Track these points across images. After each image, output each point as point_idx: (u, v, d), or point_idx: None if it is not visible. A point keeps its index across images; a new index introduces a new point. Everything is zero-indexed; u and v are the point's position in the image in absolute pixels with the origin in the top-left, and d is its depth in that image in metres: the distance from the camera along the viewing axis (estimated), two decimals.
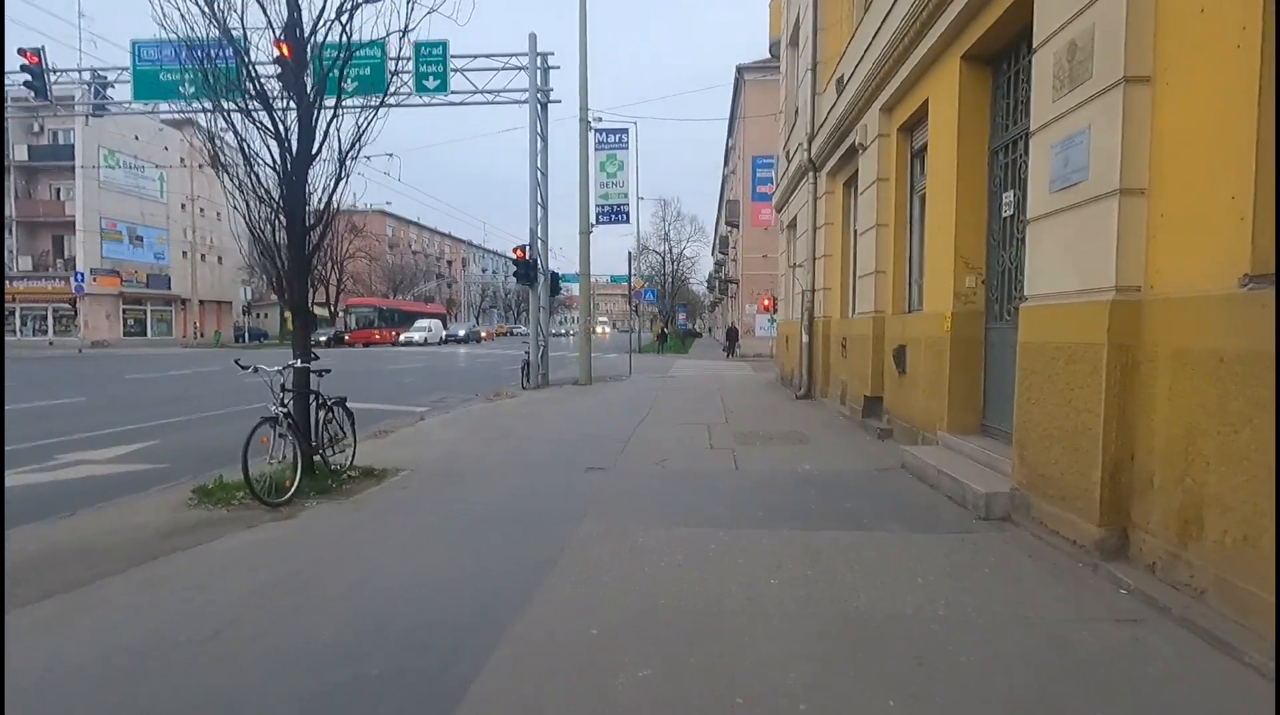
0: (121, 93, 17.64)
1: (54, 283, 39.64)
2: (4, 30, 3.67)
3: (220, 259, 50.08)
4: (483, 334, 60.22)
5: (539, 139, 15.52)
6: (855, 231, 10.46)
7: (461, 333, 51.50)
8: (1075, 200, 3.84)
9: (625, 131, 16.15)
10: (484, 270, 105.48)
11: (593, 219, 16.18)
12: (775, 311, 31.94)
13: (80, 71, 18.34)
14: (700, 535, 4.23)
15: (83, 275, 37.18)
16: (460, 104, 16.13)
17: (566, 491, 5.56)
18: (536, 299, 15.50)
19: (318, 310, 58.35)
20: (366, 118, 6.21)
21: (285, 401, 5.47)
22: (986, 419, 5.99)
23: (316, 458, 5.96)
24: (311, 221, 6.04)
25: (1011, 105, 5.59)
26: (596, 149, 16.16)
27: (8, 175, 39.55)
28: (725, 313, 53.82)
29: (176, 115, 49.02)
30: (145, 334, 43.34)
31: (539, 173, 15.38)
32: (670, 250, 55.21)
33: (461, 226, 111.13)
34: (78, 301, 38.57)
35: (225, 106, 5.60)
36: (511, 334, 73.24)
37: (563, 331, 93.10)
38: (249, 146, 5.64)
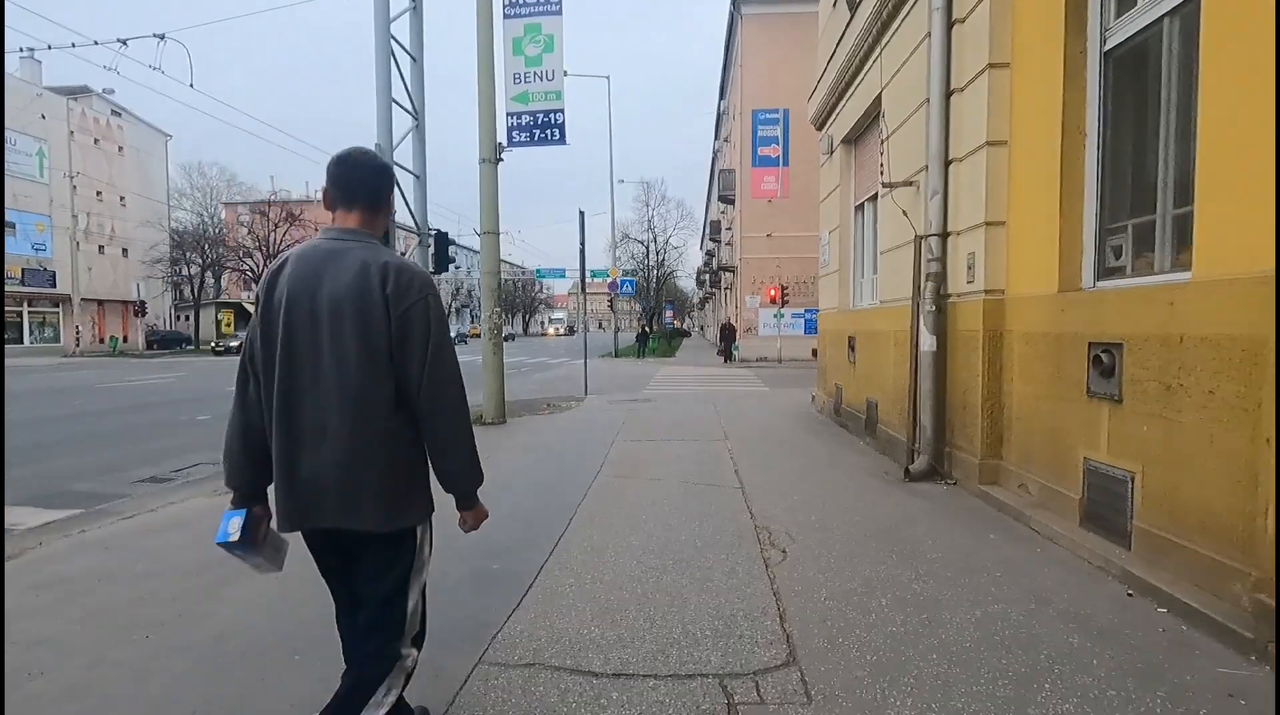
0: None
1: None
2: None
3: (125, 251, 42.65)
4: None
5: None
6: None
7: None
8: None
9: None
10: (456, 266, 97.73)
11: (502, 137, 9.35)
12: (784, 303, 25.29)
13: None
14: None
15: None
16: None
17: None
18: None
19: (251, 309, 51.32)
20: None
21: None
22: None
23: None
24: None
25: None
26: (507, 15, 9.33)
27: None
28: (717, 309, 47.11)
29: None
30: (22, 341, 35.90)
31: (393, 42, 8.49)
32: (655, 238, 48.42)
33: (435, 218, 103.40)
34: None
35: None
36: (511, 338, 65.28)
37: (541, 331, 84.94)
38: None
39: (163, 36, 9.79)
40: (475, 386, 11.07)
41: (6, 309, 35.17)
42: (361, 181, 1.72)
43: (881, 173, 5.74)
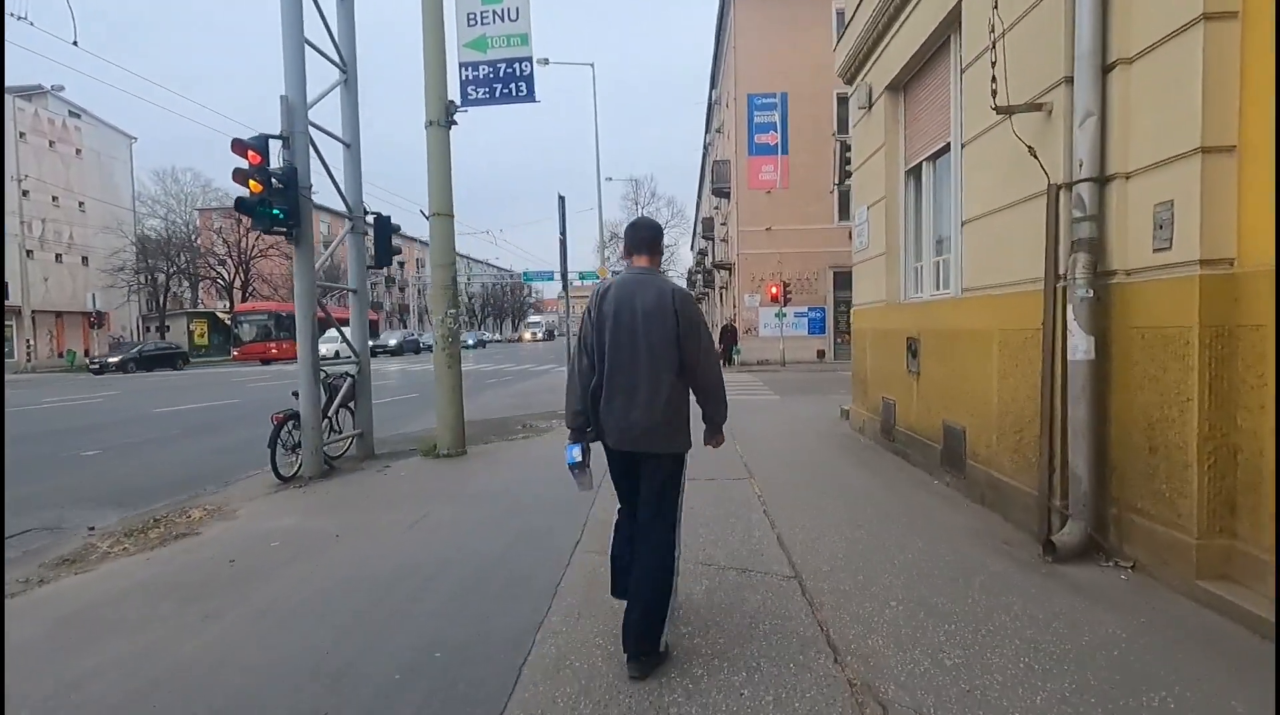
0: None
1: None
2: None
3: (85, 260, 40.23)
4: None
5: None
6: None
7: (392, 343, 41.93)
8: None
9: None
10: (401, 261, 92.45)
11: (454, 94, 7.41)
12: (787, 301, 23.38)
13: None
14: None
15: None
16: None
17: None
18: (306, 267, 6.57)
19: (220, 317, 48.93)
20: None
21: None
22: None
23: None
24: None
25: None
26: None
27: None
28: (710, 310, 45.20)
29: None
30: None
31: None
32: None
33: (417, 223, 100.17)
34: None
35: None
36: (483, 344, 59.12)
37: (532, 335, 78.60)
38: None
39: None
40: (430, 407, 9.16)
41: None
42: (644, 238, 2.86)
43: (994, 92, 3.85)
